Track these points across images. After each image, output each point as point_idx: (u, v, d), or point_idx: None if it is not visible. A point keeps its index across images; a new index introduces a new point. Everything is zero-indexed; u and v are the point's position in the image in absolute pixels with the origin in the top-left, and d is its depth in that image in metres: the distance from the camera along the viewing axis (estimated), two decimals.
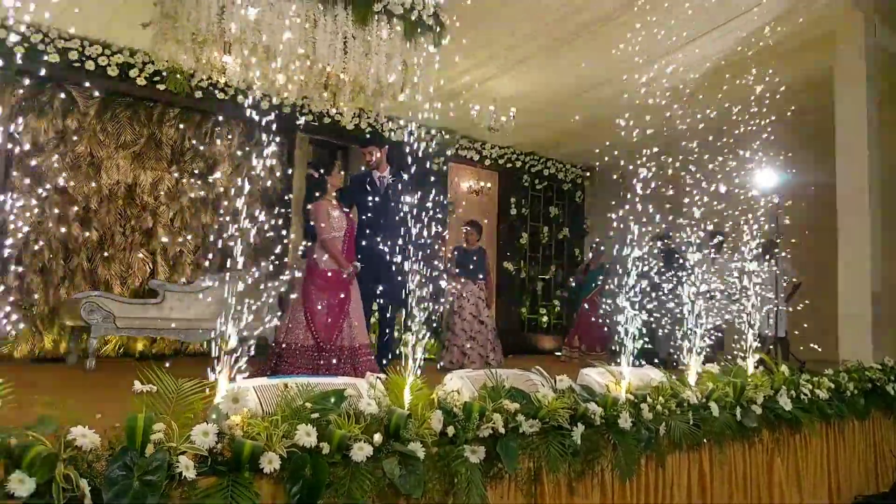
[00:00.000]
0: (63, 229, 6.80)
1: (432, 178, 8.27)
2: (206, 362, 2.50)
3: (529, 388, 3.29)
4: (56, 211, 6.78)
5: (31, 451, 1.80)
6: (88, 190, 6.98)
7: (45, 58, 6.40)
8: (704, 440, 3.83)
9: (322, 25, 4.67)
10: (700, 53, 6.50)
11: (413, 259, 3.13)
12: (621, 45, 6.11)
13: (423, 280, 3.14)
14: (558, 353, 9.56)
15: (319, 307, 4.98)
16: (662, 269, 8.09)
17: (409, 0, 5.04)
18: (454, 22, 5.63)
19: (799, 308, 7.86)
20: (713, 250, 8.39)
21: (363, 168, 5.93)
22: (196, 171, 7.63)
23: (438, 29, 5.27)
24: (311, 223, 5.16)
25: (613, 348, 4.02)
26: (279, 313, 6.81)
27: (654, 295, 8.06)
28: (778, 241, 7.17)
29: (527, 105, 8.00)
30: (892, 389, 5.77)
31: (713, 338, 7.83)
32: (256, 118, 3.19)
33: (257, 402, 2.46)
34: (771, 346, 7.39)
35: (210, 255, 7.54)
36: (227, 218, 7.69)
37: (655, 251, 8.43)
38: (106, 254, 7.07)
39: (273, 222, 8.10)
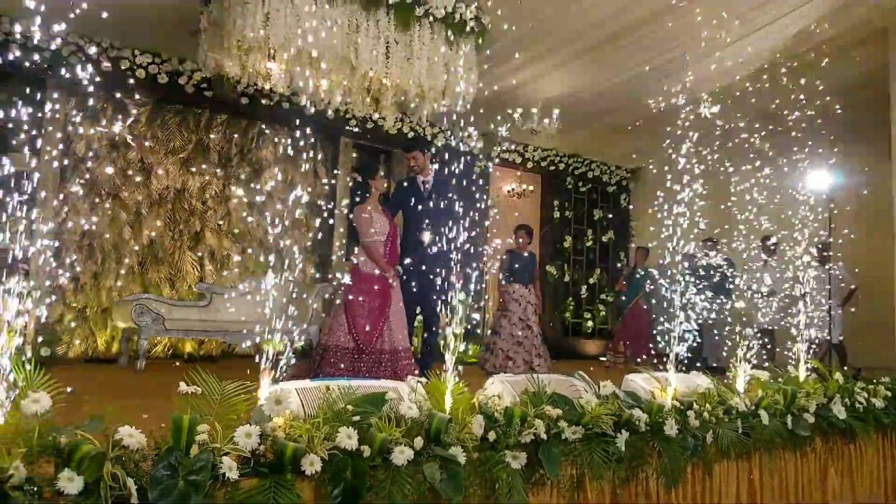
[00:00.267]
0: (115, 234, 6.99)
1: (474, 182, 8.28)
2: (252, 364, 2.54)
3: (572, 394, 3.24)
4: (108, 216, 6.97)
5: (80, 449, 1.84)
6: (139, 195, 7.17)
7: (99, 68, 6.59)
8: (754, 449, 3.72)
9: (364, 30, 4.71)
10: (750, 51, 6.34)
11: (455, 263, 3.12)
12: (666, 44, 6.01)
13: (465, 283, 3.13)
14: (603, 359, 9.43)
15: (360, 310, 5.01)
16: (708, 273, 7.93)
17: (451, 3, 5.04)
18: (496, 23, 5.63)
19: (852, 311, 7.61)
20: (765, 253, 8.19)
21: (407, 173, 5.95)
22: (242, 176, 7.77)
23: (480, 32, 5.26)
24: (355, 226, 5.21)
25: (660, 354, 3.93)
26: (323, 316, 6.89)
27: (701, 299, 7.91)
28: (829, 243, 6.97)
29: (570, 106, 7.93)
30: None
31: (764, 344, 7.66)
32: (301, 124, 3.22)
33: (300, 404, 2.48)
34: (826, 353, 7.17)
35: (256, 258, 7.67)
36: (273, 222, 7.81)
37: (701, 255, 8.28)
38: (156, 257, 7.24)
39: (317, 226, 8.20)
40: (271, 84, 5.31)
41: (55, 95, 6.56)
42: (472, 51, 5.30)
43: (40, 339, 6.23)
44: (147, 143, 7.21)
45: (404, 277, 5.29)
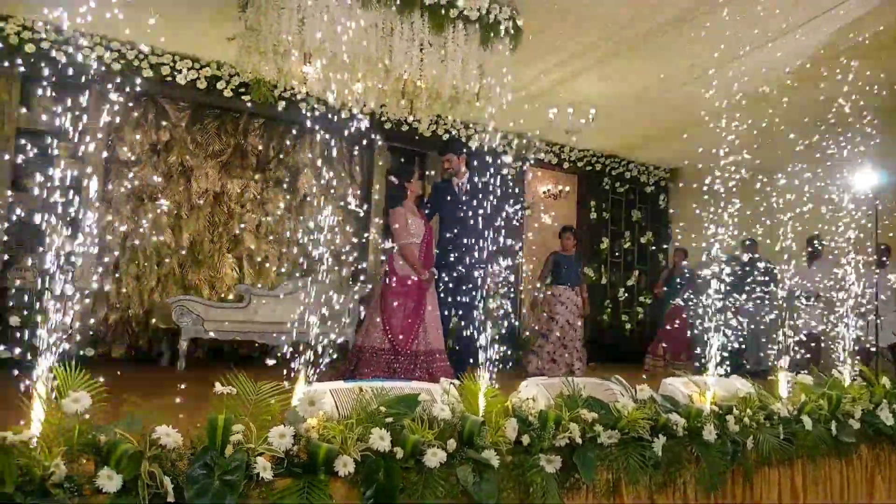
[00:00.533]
0: (156, 237, 7.14)
1: (510, 183, 8.26)
2: (289, 365, 2.56)
3: (608, 398, 3.20)
4: (150, 218, 7.12)
5: (118, 448, 1.88)
6: (179, 198, 7.31)
7: (140, 73, 6.74)
8: (796, 455, 3.62)
9: (399, 33, 4.73)
10: (791, 49, 6.20)
11: (491, 265, 3.11)
12: (703, 42, 5.91)
13: (501, 285, 3.12)
14: (642, 362, 9.30)
15: (396, 312, 5.03)
16: (748, 276, 7.78)
17: (485, 4, 5.03)
18: (531, 23, 5.60)
19: None
20: (811, 255, 7.99)
21: (442, 175, 5.96)
22: (280, 179, 7.87)
23: (514, 32, 5.24)
24: (391, 228, 5.23)
25: (699, 357, 3.86)
26: (359, 317, 6.93)
27: (741, 302, 7.77)
28: (889, 247, 6.77)
29: (607, 106, 7.85)
30: None
31: (809, 347, 7.48)
32: (337, 127, 3.24)
33: (333, 405, 2.50)
34: (873, 357, 6.95)
35: (293, 260, 7.76)
36: (310, 224, 7.89)
37: (742, 258, 8.11)
38: (196, 259, 7.38)
39: (353, 228, 8.26)
40: (307, 88, 5.37)
41: (98, 101, 6.71)
42: (507, 51, 5.28)
43: (78, 338, 6.38)
44: (188, 147, 7.34)
45: (440, 280, 5.29)
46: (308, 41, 4.44)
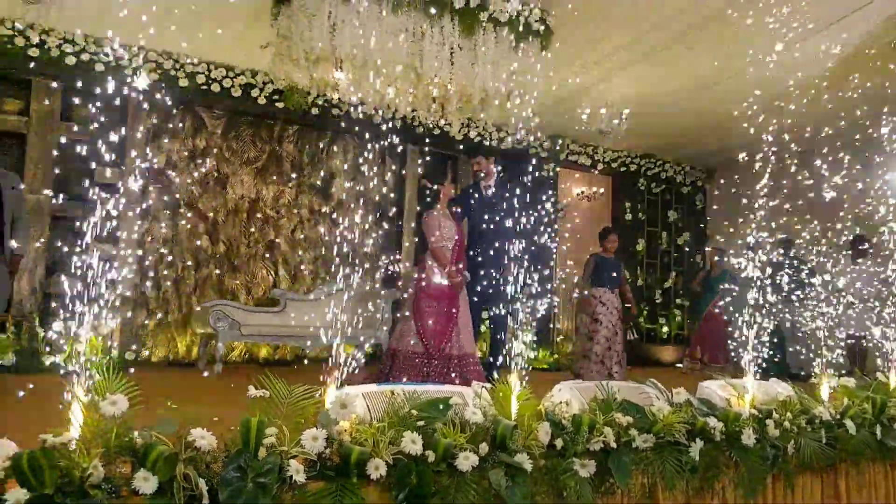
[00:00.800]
0: (193, 243, 7.27)
1: (542, 185, 8.22)
2: (324, 368, 2.57)
3: (643, 401, 3.16)
4: (187, 225, 7.25)
5: (154, 450, 1.91)
6: (216, 205, 7.43)
7: (177, 83, 6.87)
8: (839, 460, 3.53)
9: (429, 37, 4.74)
10: (825, 47, 6.05)
11: (521, 267, 3.09)
12: (737, 39, 5.80)
13: (532, 289, 3.10)
14: (679, 365, 9.17)
15: (429, 315, 5.04)
16: (788, 277, 7.61)
17: (516, 6, 5.02)
18: (562, 25, 5.56)
19: None
20: (856, 256, 7.79)
21: (472, 178, 5.96)
22: (314, 185, 7.95)
23: (545, 34, 5.21)
24: (424, 232, 5.25)
25: (738, 360, 3.78)
26: (393, 321, 6.95)
27: (781, 303, 7.60)
28: None
29: (641, 106, 7.76)
30: None
31: (852, 350, 7.28)
32: (369, 132, 3.26)
33: (365, 408, 2.50)
34: None
35: (328, 265, 7.83)
36: (344, 229, 7.95)
37: (782, 258, 7.95)
38: (232, 265, 7.49)
39: (386, 232, 8.30)
40: (339, 94, 5.41)
41: (136, 111, 6.87)
42: (538, 53, 5.25)
43: (118, 342, 6.52)
44: (224, 154, 7.47)
45: (469, 281, 5.29)
46: (339, 47, 4.48)
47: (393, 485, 2.24)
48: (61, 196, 6.39)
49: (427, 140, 8.20)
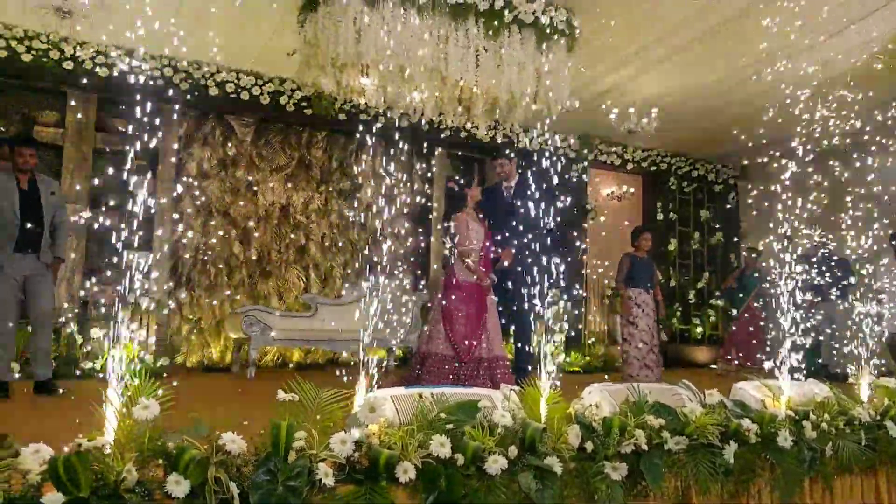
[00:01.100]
0: (226, 249, 7.37)
1: (570, 186, 8.16)
2: (356, 371, 2.59)
3: (675, 403, 3.12)
4: (220, 232, 7.35)
5: (186, 454, 1.94)
6: (247, 211, 7.53)
7: (207, 92, 6.97)
8: (880, 463, 3.44)
9: (454, 41, 4.75)
10: (858, 39, 5.92)
11: (547, 269, 3.07)
12: (767, 35, 5.69)
13: (560, 289, 3.08)
14: (714, 367, 9.02)
15: (458, 318, 5.03)
16: (823, 275, 7.45)
17: (541, 7, 5.00)
18: (588, 25, 5.52)
19: None
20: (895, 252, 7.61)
21: (496, 180, 5.95)
22: (343, 190, 8.01)
23: (570, 34, 5.18)
24: (452, 235, 5.25)
25: (773, 360, 3.71)
26: (422, 324, 6.96)
27: (818, 302, 7.45)
28: None
29: (671, 105, 7.66)
30: None
31: (893, 349, 7.09)
32: (396, 136, 3.27)
33: (394, 411, 2.51)
34: None
35: (358, 269, 7.87)
36: (373, 233, 8.01)
37: (815, 256, 7.79)
38: (264, 270, 7.57)
39: (415, 236, 8.33)
40: (366, 99, 5.44)
41: (168, 120, 7.00)
42: (564, 53, 5.22)
43: (153, 348, 6.62)
44: (254, 161, 7.57)
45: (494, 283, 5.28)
46: (365, 53, 4.51)
47: (422, 488, 2.24)
48: (97, 205, 6.53)
49: (454, 143, 8.21)
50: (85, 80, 6.38)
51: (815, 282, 7.13)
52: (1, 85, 6.48)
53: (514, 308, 5.35)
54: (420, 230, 8.39)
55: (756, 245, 9.01)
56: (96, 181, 6.57)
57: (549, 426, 2.63)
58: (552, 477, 2.45)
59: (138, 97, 2.53)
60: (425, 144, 8.29)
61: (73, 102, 6.68)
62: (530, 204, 5.00)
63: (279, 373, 7.05)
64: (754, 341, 8.13)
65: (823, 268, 7.64)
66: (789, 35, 5.69)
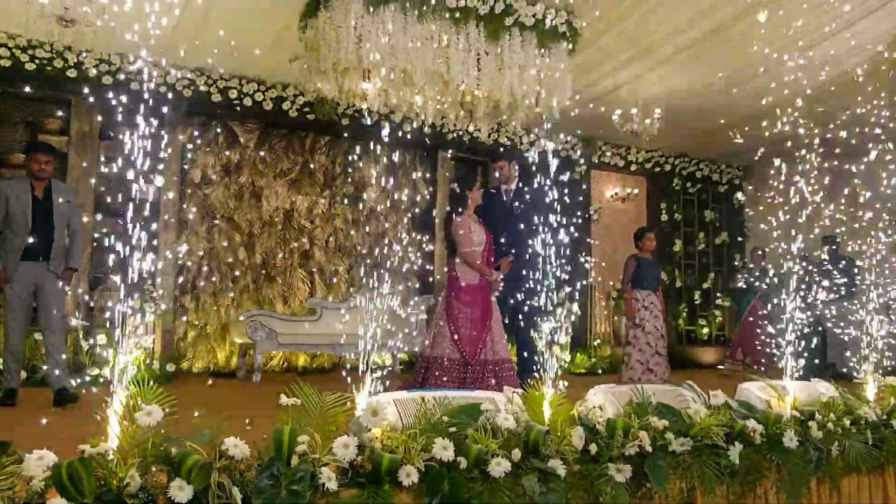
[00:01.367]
0: (231, 254, 7.39)
1: (571, 188, 8.11)
2: (360, 376, 2.59)
3: (679, 404, 3.11)
4: (224, 238, 7.38)
5: (189, 459, 1.94)
6: (251, 217, 7.55)
7: (210, 98, 7.00)
8: (887, 462, 3.42)
9: (455, 44, 4.75)
10: (865, 36, 5.90)
11: (547, 270, 3.06)
12: (769, 34, 5.69)
13: (562, 291, 3.07)
14: (721, 367, 8.99)
15: (463, 322, 5.03)
16: (829, 275, 7.42)
17: (541, 10, 5.00)
18: (590, 27, 5.52)
19: None
20: None
21: (497, 182, 5.95)
22: (346, 195, 8.02)
23: (572, 36, 5.18)
24: (452, 238, 5.24)
25: (780, 361, 3.69)
26: (427, 328, 6.96)
27: (824, 302, 7.42)
28: None
29: (674, 105, 7.64)
30: None
31: None
32: (399, 140, 3.27)
33: (397, 415, 2.51)
34: None
35: (362, 273, 7.87)
36: (378, 237, 8.01)
37: (820, 256, 7.76)
38: (269, 275, 7.59)
39: (419, 239, 8.33)
40: (368, 104, 5.45)
41: (172, 127, 7.02)
42: (565, 56, 5.23)
43: (159, 354, 6.63)
44: (258, 167, 7.59)
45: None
46: (366, 58, 4.52)
47: (425, 492, 2.24)
48: (102, 212, 6.56)
49: (457, 146, 8.21)
50: (88, 89, 6.41)
51: (822, 281, 7.09)
52: (5, 93, 6.52)
53: (517, 310, 5.34)
54: (424, 234, 8.39)
55: (762, 245, 8.98)
56: (101, 188, 6.60)
57: (552, 428, 2.63)
58: (556, 479, 2.45)
59: (142, 105, 2.55)
60: (428, 148, 8.29)
61: (76, 110, 6.71)
62: (535, 208, 4.99)
63: (285, 377, 7.06)
64: (762, 341, 8.10)
65: (830, 267, 7.61)
66: (790, 34, 5.68)
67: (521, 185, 5.52)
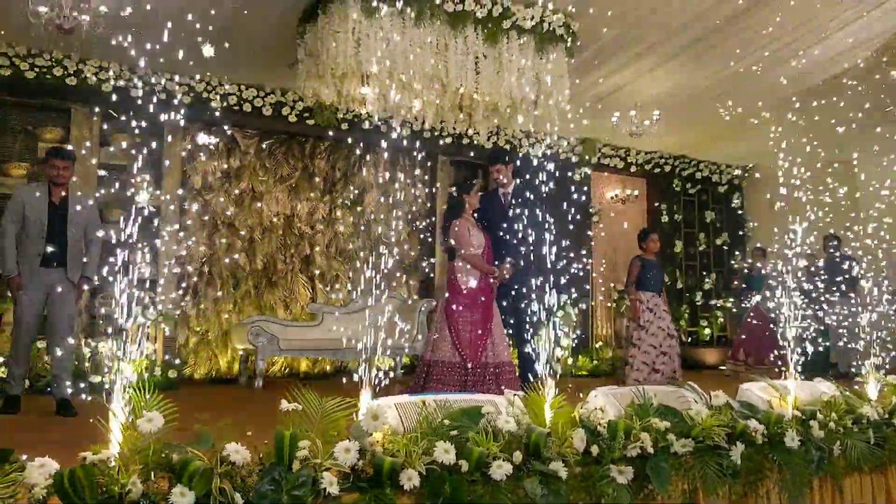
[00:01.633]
0: (231, 260, 7.39)
1: (571, 189, 8.14)
2: (361, 380, 2.59)
3: (681, 405, 3.11)
4: (225, 244, 7.38)
5: (190, 465, 1.94)
6: (252, 222, 7.56)
7: (209, 105, 7.01)
8: (889, 461, 3.42)
9: (453, 48, 4.77)
10: (864, 35, 5.91)
11: (549, 272, 3.07)
12: (773, 32, 5.69)
13: (564, 293, 3.08)
14: (723, 368, 8.98)
15: (463, 325, 5.03)
16: (831, 274, 7.42)
17: (539, 13, 5.02)
18: (588, 29, 5.53)
19: None
20: None
21: (494, 185, 5.95)
22: (347, 199, 8.03)
23: (570, 38, 5.19)
24: (451, 241, 5.24)
25: (782, 361, 3.69)
26: (427, 331, 6.97)
27: (827, 302, 7.41)
28: None
29: (673, 106, 7.64)
30: None
31: None
32: (398, 145, 3.28)
33: (398, 419, 2.51)
34: None
35: (363, 278, 7.86)
36: (378, 241, 8.01)
37: (826, 255, 7.76)
38: (270, 281, 7.59)
39: (419, 243, 8.34)
40: (367, 108, 5.46)
41: (171, 134, 7.03)
42: (563, 58, 5.24)
43: (160, 360, 6.63)
44: (258, 172, 7.60)
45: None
46: (365, 63, 4.53)
47: (427, 495, 2.24)
48: (101, 219, 6.55)
49: (457, 150, 8.22)
50: (88, 97, 6.43)
51: (823, 280, 7.09)
52: (5, 102, 6.53)
53: (517, 313, 5.34)
54: (425, 237, 8.40)
55: (763, 245, 8.98)
56: (101, 195, 6.61)
57: (553, 431, 2.63)
58: (558, 482, 2.45)
59: (141, 112, 2.56)
60: (427, 151, 8.30)
61: (76, 118, 6.72)
62: (527, 210, 5.00)
63: (287, 383, 7.05)
64: (763, 342, 8.10)
65: (832, 266, 7.60)
66: (790, 33, 5.69)
67: (519, 187, 5.52)
